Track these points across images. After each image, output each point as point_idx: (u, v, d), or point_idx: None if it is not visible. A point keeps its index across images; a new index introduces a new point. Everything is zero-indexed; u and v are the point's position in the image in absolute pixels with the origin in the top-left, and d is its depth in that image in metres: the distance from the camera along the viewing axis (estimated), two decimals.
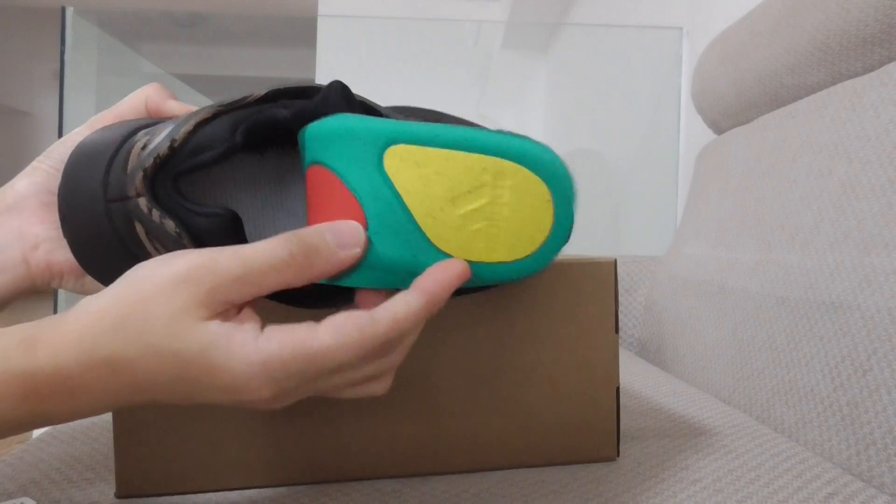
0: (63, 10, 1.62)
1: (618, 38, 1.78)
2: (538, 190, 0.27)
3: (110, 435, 0.45)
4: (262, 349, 0.24)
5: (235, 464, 0.36)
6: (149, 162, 0.27)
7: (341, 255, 0.26)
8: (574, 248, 1.55)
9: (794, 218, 0.58)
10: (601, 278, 0.40)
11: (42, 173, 0.33)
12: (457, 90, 2.41)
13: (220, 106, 0.28)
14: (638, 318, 0.95)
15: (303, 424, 0.37)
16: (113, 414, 0.35)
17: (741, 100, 0.77)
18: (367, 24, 2.45)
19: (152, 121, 0.32)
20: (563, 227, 0.28)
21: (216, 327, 0.24)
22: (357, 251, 0.26)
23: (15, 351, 0.24)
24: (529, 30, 2.55)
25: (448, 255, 0.27)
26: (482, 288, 0.37)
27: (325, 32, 2.46)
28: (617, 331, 0.40)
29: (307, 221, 0.30)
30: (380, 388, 0.28)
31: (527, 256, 0.28)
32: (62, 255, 0.33)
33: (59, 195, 0.30)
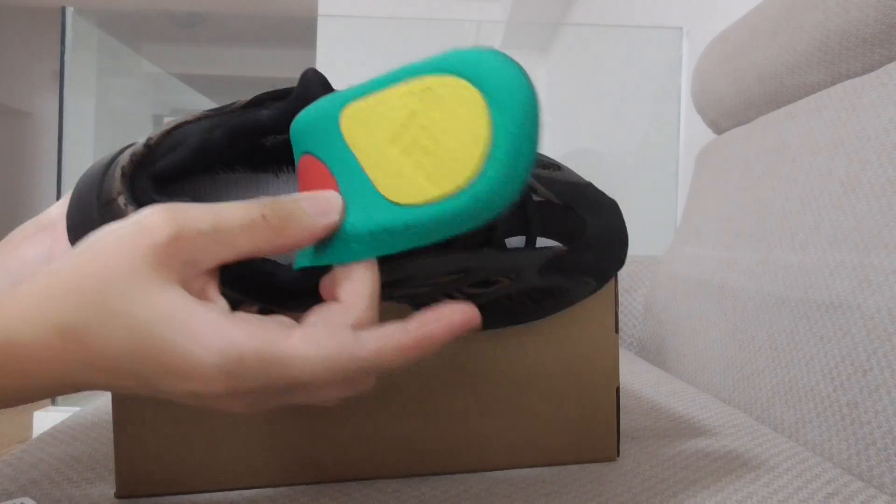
0: (63, 10, 1.62)
1: (618, 38, 1.77)
2: (466, 96, 0.21)
3: (110, 435, 0.45)
4: (225, 335, 0.21)
5: (235, 464, 0.36)
6: (126, 160, 0.27)
7: (319, 222, 0.25)
8: None
9: (794, 218, 0.58)
10: None
11: None
12: None
13: (203, 112, 0.28)
14: (638, 318, 0.95)
15: (303, 424, 0.37)
16: (113, 414, 0.35)
17: (741, 100, 0.77)
18: (367, 24, 2.45)
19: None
20: (509, 142, 0.21)
21: (178, 296, 0.21)
22: (335, 218, 0.25)
23: None
24: (529, 30, 2.55)
25: (398, 205, 0.23)
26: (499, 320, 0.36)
27: (325, 32, 2.46)
28: (617, 331, 0.40)
29: None
30: (358, 392, 0.25)
31: (462, 188, 0.22)
32: None
33: (68, 206, 0.30)
